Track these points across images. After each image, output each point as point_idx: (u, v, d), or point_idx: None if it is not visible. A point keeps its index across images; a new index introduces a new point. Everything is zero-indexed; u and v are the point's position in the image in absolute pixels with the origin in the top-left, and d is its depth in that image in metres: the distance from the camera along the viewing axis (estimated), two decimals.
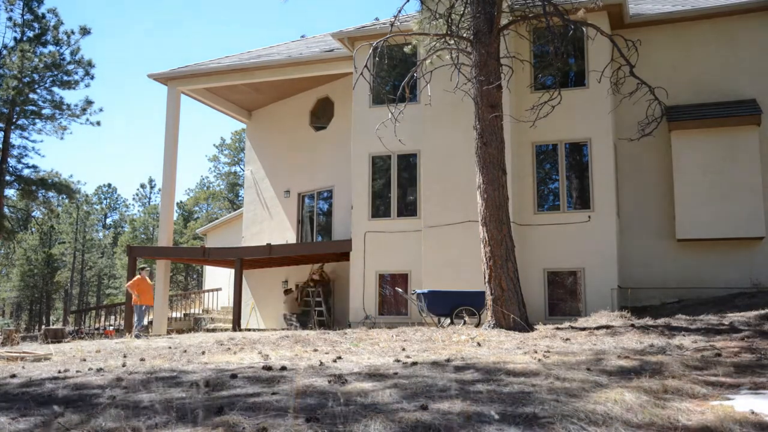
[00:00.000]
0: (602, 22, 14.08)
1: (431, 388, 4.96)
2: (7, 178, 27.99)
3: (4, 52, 27.98)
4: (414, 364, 6.26)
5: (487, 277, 10.51)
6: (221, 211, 52.04)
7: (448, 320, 11.87)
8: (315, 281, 18.02)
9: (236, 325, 16.57)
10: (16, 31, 28.58)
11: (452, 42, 12.01)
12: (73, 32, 28.88)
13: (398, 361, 6.56)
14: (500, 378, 5.37)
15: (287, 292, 18.50)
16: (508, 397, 4.62)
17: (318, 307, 17.42)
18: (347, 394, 4.79)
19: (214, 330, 18.76)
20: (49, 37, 28.74)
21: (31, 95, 28.00)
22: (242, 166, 49.60)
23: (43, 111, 28.68)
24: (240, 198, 50.55)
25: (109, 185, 67.95)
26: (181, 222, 54.93)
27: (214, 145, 72.72)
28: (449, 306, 11.92)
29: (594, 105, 14.19)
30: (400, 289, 14.03)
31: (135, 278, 15.84)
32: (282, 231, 20.08)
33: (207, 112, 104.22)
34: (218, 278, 24.91)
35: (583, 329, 9.64)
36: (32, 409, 4.77)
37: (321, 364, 6.52)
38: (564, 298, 14.16)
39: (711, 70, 14.81)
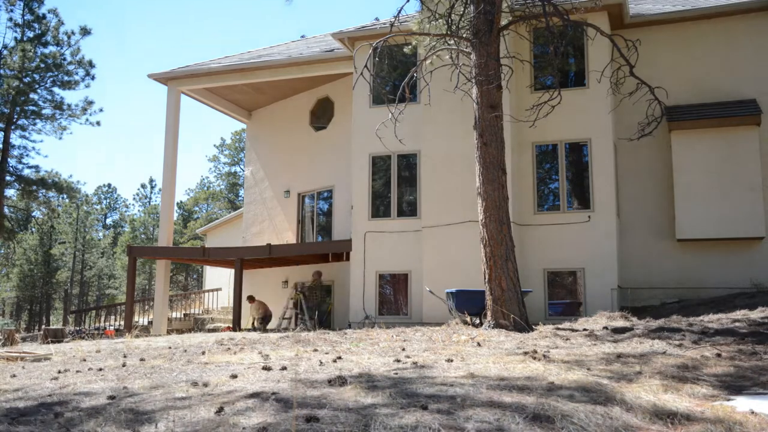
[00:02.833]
0: (602, 22, 14.08)
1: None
2: (8, 178, 27.98)
3: (5, 52, 27.95)
4: (414, 363, 6.26)
5: (487, 277, 10.50)
6: (221, 211, 52.03)
7: (477, 320, 11.35)
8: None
9: (236, 325, 16.57)
10: (16, 32, 28.57)
11: (452, 42, 12.00)
12: (73, 33, 28.88)
13: (398, 361, 6.56)
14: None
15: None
16: None
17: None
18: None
19: (215, 330, 18.75)
20: (49, 38, 28.71)
21: (32, 95, 27.98)
22: (242, 166, 49.59)
23: (44, 111, 28.67)
24: (240, 198, 50.54)
25: (109, 185, 68.06)
26: (181, 222, 54.93)
27: (214, 145, 72.92)
28: (478, 305, 11.30)
29: (594, 105, 14.19)
30: (428, 288, 13.70)
31: None
32: (282, 231, 20.10)
33: (207, 112, 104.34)
34: (218, 278, 24.92)
35: (583, 329, 9.64)
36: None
37: (321, 364, 6.52)
38: (564, 298, 14.16)
39: (711, 70, 14.81)
